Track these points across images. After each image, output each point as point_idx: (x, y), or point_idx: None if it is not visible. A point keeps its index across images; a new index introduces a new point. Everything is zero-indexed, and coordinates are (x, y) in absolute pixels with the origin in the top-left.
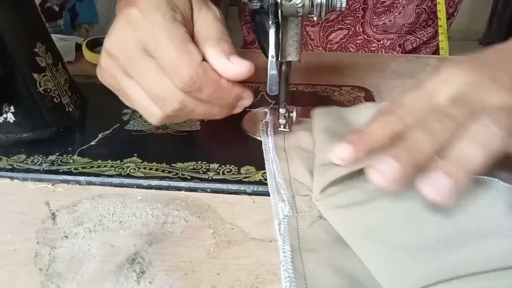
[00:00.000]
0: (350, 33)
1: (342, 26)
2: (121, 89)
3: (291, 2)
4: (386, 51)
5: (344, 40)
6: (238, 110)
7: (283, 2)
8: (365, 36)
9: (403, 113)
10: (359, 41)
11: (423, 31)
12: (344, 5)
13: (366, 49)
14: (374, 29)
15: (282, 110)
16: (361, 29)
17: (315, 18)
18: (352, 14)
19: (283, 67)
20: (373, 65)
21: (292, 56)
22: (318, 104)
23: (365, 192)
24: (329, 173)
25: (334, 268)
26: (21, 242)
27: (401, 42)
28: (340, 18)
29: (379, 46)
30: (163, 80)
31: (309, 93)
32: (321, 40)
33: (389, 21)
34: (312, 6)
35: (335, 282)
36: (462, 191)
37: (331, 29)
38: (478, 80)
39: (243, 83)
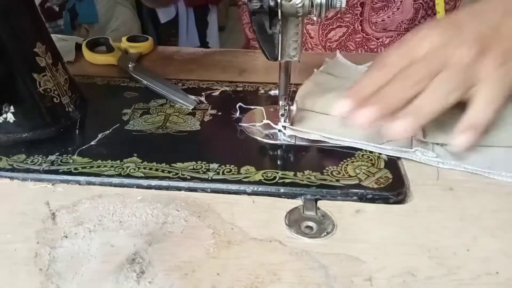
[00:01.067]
0: (349, 31)
1: (341, 24)
2: None
3: (291, 2)
4: (385, 49)
5: (344, 38)
6: None
7: (283, 2)
8: (364, 34)
9: (387, 70)
10: (358, 39)
11: None
12: (344, 5)
13: (366, 47)
14: (373, 27)
15: (282, 103)
16: (360, 27)
17: (314, 18)
18: (350, 11)
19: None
20: None
21: (292, 56)
22: None
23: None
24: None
25: None
26: (21, 242)
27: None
28: (338, 15)
29: (379, 44)
30: None
31: None
32: (320, 38)
33: (388, 17)
34: (312, 6)
35: None
36: (414, 132)
37: (330, 27)
38: (447, 40)
39: None
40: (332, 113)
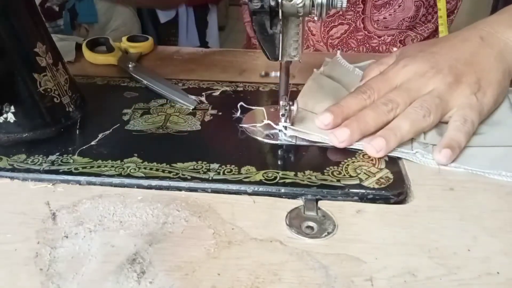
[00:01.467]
0: (351, 28)
1: (343, 21)
2: None
3: (292, 2)
4: (387, 47)
5: (345, 35)
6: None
7: (284, 2)
8: (366, 32)
9: (370, 94)
10: (359, 37)
11: (423, 27)
12: (344, 4)
13: (367, 45)
14: (375, 25)
15: (282, 103)
16: (362, 25)
17: (315, 18)
18: (352, 9)
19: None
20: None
21: (292, 56)
22: None
23: None
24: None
25: None
26: (21, 242)
27: (402, 38)
28: (340, 12)
29: (380, 42)
30: None
31: None
32: (322, 35)
33: (389, 15)
34: (313, 6)
35: None
36: (390, 150)
37: (332, 24)
38: (424, 70)
39: None
40: (316, 123)
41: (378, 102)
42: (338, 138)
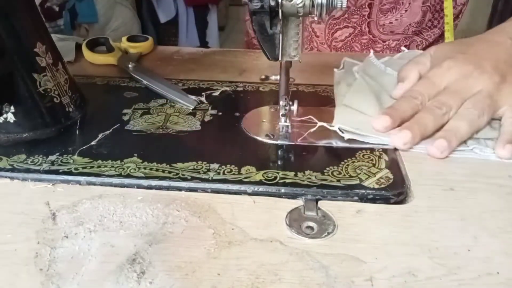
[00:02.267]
0: (356, 32)
1: (348, 24)
2: None
3: (292, 2)
4: (391, 52)
5: (350, 38)
6: None
7: (284, 2)
8: (371, 36)
9: (422, 99)
10: (364, 41)
11: (429, 32)
12: (344, 4)
13: (371, 49)
14: (381, 29)
15: (282, 103)
16: (367, 29)
17: (315, 18)
18: (358, 12)
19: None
20: None
21: (292, 56)
22: (318, 104)
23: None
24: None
25: None
26: (21, 242)
27: (407, 44)
28: (346, 15)
29: (384, 47)
30: None
31: (309, 93)
32: (326, 37)
33: (396, 20)
34: (313, 6)
35: None
36: (452, 150)
37: (337, 26)
38: (470, 70)
39: None
40: (373, 126)
41: (431, 106)
42: (402, 140)
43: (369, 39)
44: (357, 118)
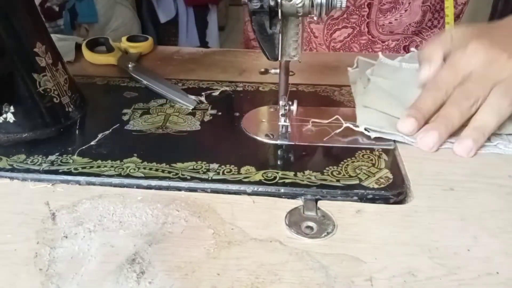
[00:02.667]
0: (355, 32)
1: (347, 25)
2: None
3: (291, 2)
4: (390, 52)
5: (348, 39)
6: None
7: (283, 2)
8: (370, 36)
9: (447, 89)
10: (363, 41)
11: (429, 32)
12: (344, 5)
13: (370, 50)
14: (380, 30)
15: (282, 103)
16: (366, 29)
17: (315, 18)
18: (357, 12)
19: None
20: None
21: (292, 56)
22: (318, 104)
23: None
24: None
25: None
26: (21, 242)
27: (407, 44)
28: (345, 15)
29: (383, 47)
30: None
31: (309, 93)
32: (325, 38)
33: (395, 19)
34: (312, 6)
35: None
36: (479, 147)
37: (336, 27)
38: (494, 56)
39: None
40: (399, 129)
41: (458, 97)
42: (430, 143)
43: (368, 40)
44: (379, 117)
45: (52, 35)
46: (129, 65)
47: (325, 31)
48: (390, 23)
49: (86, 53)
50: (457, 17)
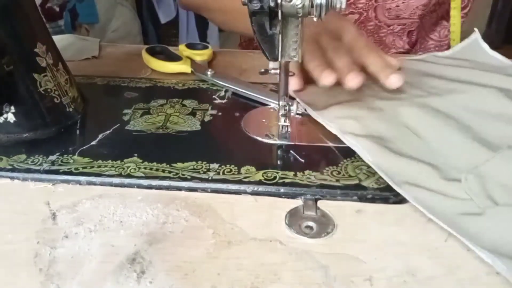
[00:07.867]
0: (362, 18)
1: (354, 11)
2: None
3: (291, 3)
4: (393, 38)
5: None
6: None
7: (283, 3)
8: (377, 21)
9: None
10: (370, 27)
11: (433, 14)
12: (344, 5)
13: (376, 35)
14: (386, 14)
15: (282, 103)
16: (373, 14)
17: (315, 19)
18: None
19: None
20: None
21: (291, 57)
22: None
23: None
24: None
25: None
26: (21, 242)
27: (412, 29)
28: (352, 0)
29: (388, 32)
30: None
31: None
32: None
33: (403, 2)
34: (312, 6)
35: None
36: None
37: (342, 13)
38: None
39: None
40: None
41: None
42: (350, 84)
43: (375, 25)
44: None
45: (73, 36)
46: (208, 72)
47: None
48: (397, 6)
49: (154, 62)
50: (465, 14)
